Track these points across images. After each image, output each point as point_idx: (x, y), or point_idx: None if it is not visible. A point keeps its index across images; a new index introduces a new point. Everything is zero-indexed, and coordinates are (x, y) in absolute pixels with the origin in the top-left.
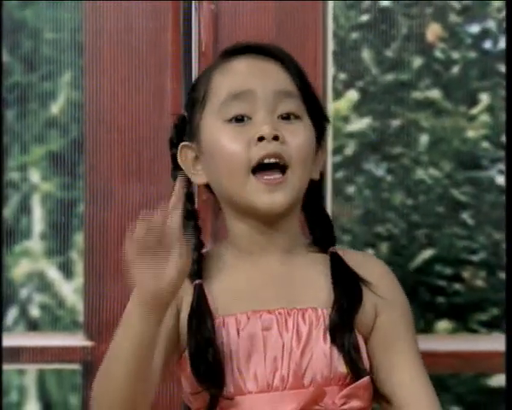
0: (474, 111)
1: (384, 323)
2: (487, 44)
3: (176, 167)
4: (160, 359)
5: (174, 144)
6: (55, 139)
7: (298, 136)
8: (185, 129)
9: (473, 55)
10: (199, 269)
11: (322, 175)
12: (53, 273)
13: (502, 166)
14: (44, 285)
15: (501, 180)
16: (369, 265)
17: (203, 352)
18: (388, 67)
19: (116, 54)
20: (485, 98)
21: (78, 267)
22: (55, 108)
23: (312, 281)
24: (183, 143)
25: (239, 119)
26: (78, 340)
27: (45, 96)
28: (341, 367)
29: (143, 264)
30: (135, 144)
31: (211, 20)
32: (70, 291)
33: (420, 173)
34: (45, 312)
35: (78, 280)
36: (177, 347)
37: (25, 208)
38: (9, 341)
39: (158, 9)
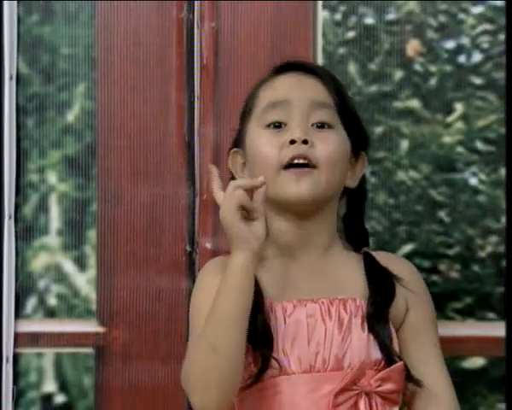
0: (450, 119)
1: (414, 316)
2: (462, 59)
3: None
4: None
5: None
6: (70, 144)
7: (328, 142)
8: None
9: (448, 68)
10: None
11: (365, 188)
12: (68, 266)
13: (475, 169)
14: (61, 277)
15: (474, 181)
16: (398, 264)
17: (253, 316)
18: (372, 80)
19: (125, 67)
20: (459, 107)
21: (91, 260)
22: (71, 116)
23: (349, 275)
24: (234, 149)
25: (276, 125)
26: (91, 326)
27: (61, 105)
28: (376, 354)
29: (243, 224)
30: (142, 149)
31: (211, 37)
32: (84, 282)
33: (401, 175)
34: (61, 301)
35: (91, 272)
36: None
37: (43, 207)
38: (29, 327)
39: (163, 27)
